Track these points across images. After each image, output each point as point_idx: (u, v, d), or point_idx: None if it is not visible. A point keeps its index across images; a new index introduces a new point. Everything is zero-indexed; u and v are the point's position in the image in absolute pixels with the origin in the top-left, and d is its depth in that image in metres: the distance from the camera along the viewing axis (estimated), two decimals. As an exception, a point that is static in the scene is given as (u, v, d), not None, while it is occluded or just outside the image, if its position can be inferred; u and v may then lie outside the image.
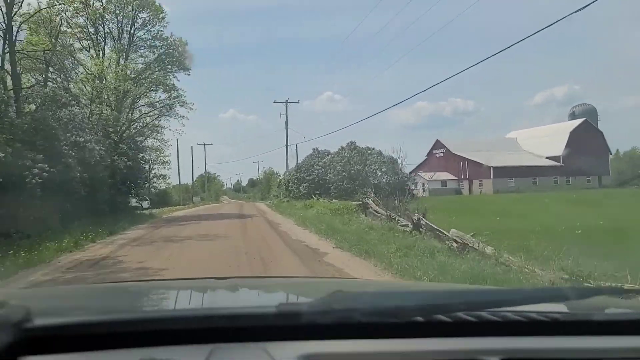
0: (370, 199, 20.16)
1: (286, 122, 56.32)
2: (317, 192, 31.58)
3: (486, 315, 1.19)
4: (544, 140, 75.08)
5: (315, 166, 31.86)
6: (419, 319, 1.16)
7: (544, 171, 71.37)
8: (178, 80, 30.87)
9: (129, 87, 26.32)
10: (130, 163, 24.55)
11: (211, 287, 2.24)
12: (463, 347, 1.15)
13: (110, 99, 27.97)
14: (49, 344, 1.05)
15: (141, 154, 29.37)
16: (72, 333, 1.08)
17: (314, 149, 36.21)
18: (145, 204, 54.79)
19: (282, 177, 50.91)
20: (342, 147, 31.85)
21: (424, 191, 52.85)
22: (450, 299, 1.35)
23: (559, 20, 11.42)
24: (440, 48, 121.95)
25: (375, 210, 18.83)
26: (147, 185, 35.91)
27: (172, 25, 31.10)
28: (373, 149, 29.43)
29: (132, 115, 30.08)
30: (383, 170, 27.72)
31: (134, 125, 29.81)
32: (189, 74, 30.49)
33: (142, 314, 1.47)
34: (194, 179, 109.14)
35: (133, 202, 34.19)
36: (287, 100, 56.41)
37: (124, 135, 29.20)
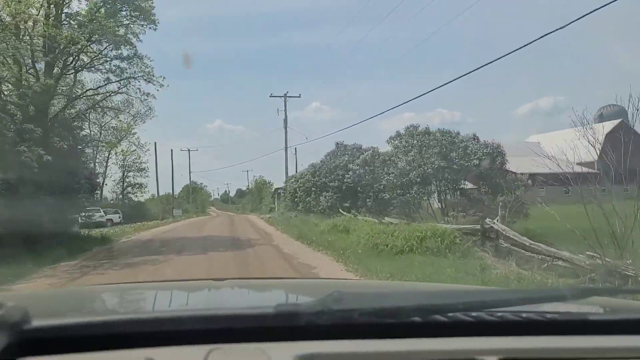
0: (495, 222, 10.21)
1: (285, 120, 46.82)
2: (347, 204, 21.69)
3: (484, 315, 1.20)
4: (571, 145, 66.16)
5: (348, 166, 21.57)
6: (417, 319, 1.16)
7: (577, 179, 62.10)
8: (140, 42, 20.81)
9: (48, 30, 16.16)
10: (50, 158, 14.36)
11: (209, 289, 2.24)
12: (461, 347, 1.14)
13: (35, 55, 17.84)
14: (47, 345, 1.05)
15: (79, 147, 19.06)
16: (70, 334, 1.08)
17: (337, 144, 25.91)
18: (116, 218, 45.19)
19: (284, 184, 40.48)
20: (397, 134, 19.35)
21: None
22: (449, 300, 1.35)
23: (541, 37, 10.59)
24: (431, 59, 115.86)
25: (520, 245, 8.90)
26: (97, 194, 25.87)
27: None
28: (458, 133, 17.76)
29: (71, 85, 19.89)
30: (484, 167, 16.88)
31: (68, 105, 19.54)
32: (155, 29, 20.45)
33: (139, 314, 1.43)
34: (180, 190, 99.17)
35: (80, 217, 23.73)
36: (285, 94, 47.15)
37: (58, 117, 19.08)
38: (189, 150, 74.28)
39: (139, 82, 21.71)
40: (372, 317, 1.12)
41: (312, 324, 1.10)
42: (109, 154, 58.38)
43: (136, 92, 21.58)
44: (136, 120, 56.24)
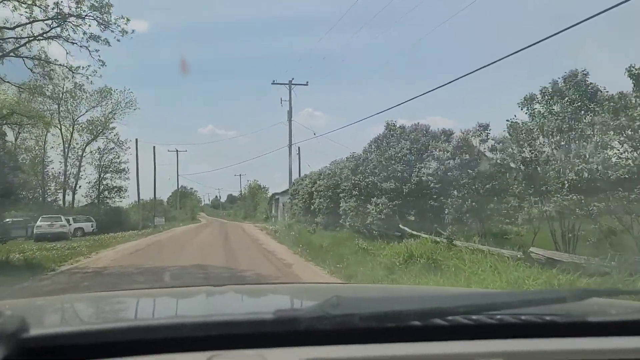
0: None
1: (289, 111, 41.09)
2: (410, 215, 13.71)
3: (484, 318, 1.19)
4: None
5: (434, 153, 12.67)
6: (417, 323, 1.15)
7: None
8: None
9: None
10: None
11: (208, 295, 2.21)
12: (461, 351, 1.13)
13: None
14: (45, 354, 1.04)
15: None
16: (67, 343, 1.07)
17: (388, 124, 17.01)
18: (88, 227, 38.22)
19: (294, 186, 32.16)
20: (554, 85, 10.10)
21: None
22: (448, 303, 1.32)
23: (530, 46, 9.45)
24: (426, 63, 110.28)
25: None
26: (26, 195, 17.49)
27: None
28: None
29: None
30: None
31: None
32: None
33: (138, 322, 1.40)
34: (169, 195, 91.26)
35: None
36: (290, 82, 41.69)
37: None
38: (177, 150, 66.56)
39: (86, 22, 13.88)
40: (372, 321, 1.12)
41: (311, 329, 1.10)
42: (82, 152, 50.82)
43: (81, 37, 13.72)
44: (115, 113, 49.20)
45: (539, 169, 8.69)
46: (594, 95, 9.24)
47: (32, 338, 1.03)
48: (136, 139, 48.11)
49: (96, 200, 52.10)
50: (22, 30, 13.33)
